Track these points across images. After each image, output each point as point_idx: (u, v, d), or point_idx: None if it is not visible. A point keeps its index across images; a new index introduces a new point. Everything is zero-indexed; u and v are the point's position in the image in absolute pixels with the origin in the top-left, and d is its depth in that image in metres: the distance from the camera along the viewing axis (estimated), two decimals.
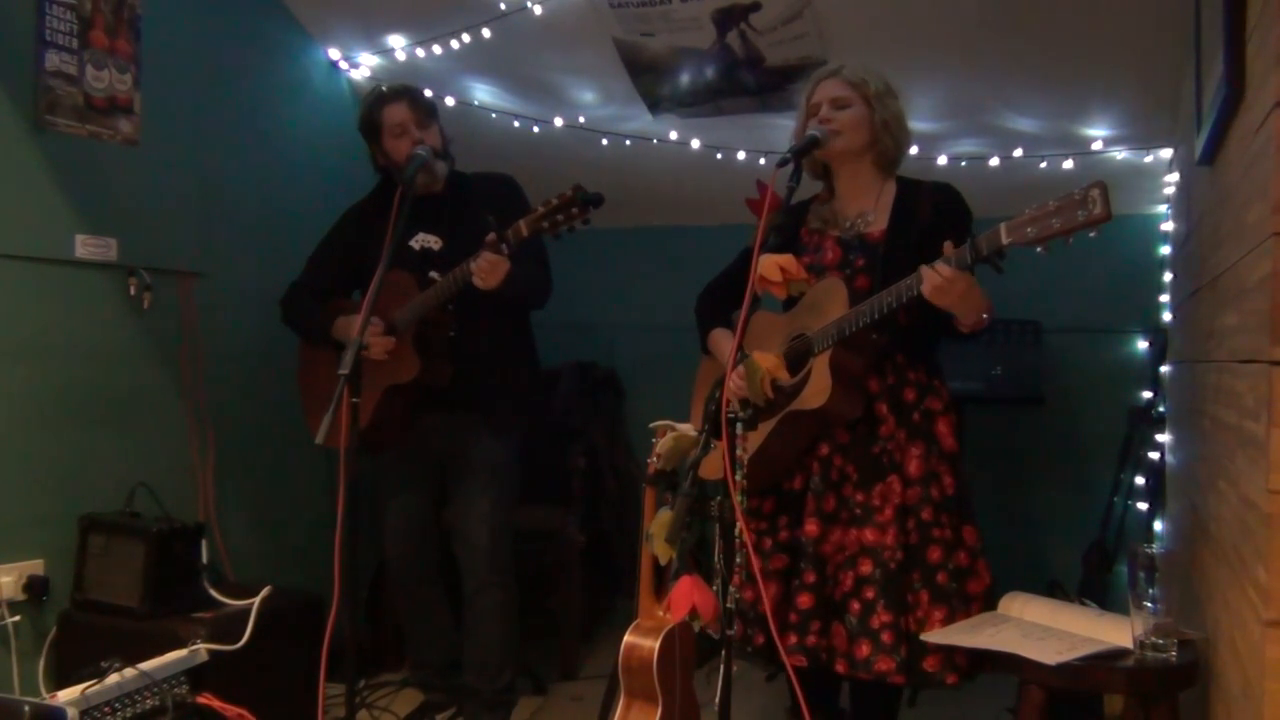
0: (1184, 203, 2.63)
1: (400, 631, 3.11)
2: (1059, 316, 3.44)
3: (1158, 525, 3.02)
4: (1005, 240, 1.83)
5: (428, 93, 2.89)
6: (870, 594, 2.09)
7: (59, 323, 2.67)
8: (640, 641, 2.10)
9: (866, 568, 2.12)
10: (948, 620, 2.06)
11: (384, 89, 2.81)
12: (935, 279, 1.92)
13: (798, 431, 2.19)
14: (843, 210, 2.33)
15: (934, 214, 2.21)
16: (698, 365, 2.53)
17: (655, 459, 2.11)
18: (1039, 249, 1.79)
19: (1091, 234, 1.72)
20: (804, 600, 2.14)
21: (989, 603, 2.13)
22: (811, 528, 2.17)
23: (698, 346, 2.51)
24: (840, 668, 2.10)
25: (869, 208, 2.28)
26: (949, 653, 2.04)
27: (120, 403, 2.82)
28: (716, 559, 1.86)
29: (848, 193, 2.33)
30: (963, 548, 2.16)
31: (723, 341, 2.40)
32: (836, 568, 2.17)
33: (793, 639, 2.11)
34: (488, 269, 2.46)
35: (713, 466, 1.87)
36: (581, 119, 3.52)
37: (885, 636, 2.05)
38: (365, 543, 2.87)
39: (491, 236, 2.45)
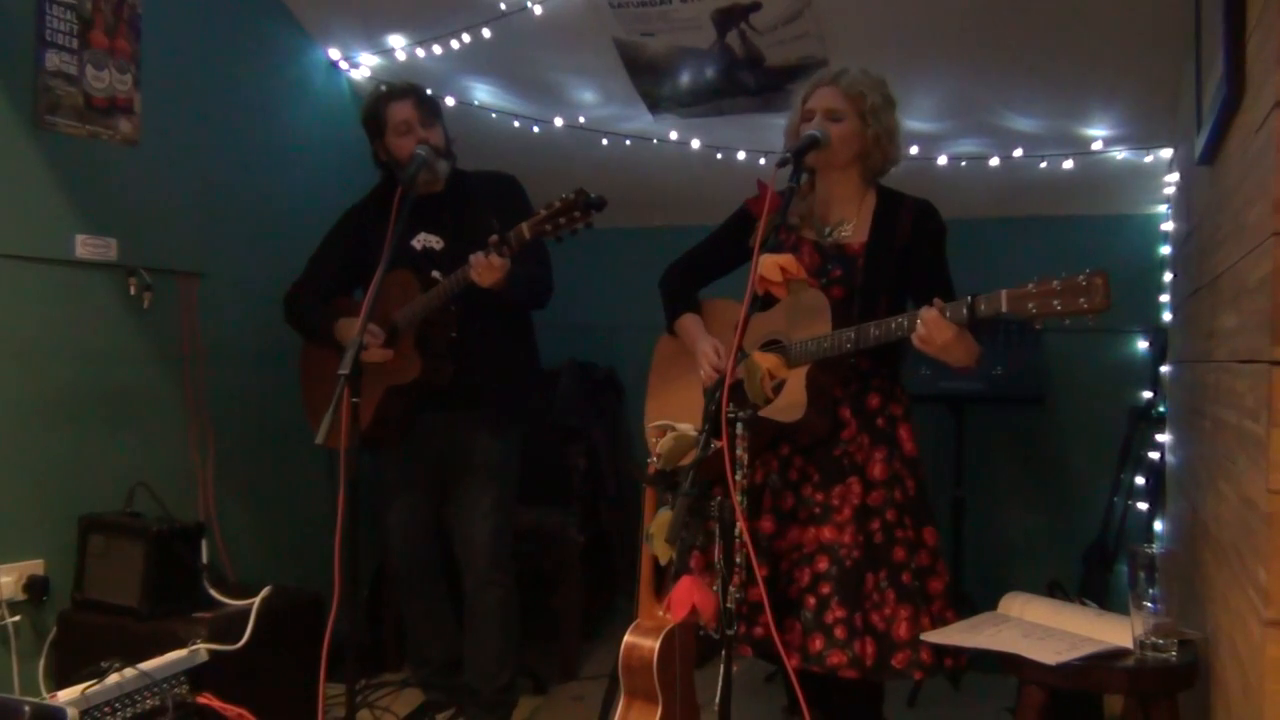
0: (1184, 203, 2.63)
1: (400, 631, 3.11)
2: None
3: (1158, 525, 3.02)
4: (1005, 308, 1.86)
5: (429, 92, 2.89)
6: (826, 589, 2.13)
7: (59, 323, 2.67)
8: (640, 641, 2.10)
9: (823, 564, 2.15)
10: (913, 617, 2.11)
11: (390, 86, 2.81)
12: (922, 331, 1.94)
13: (760, 434, 2.20)
14: (822, 214, 2.34)
15: (913, 234, 2.24)
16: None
17: (655, 459, 2.11)
18: (1035, 325, 1.84)
19: (1090, 321, 1.77)
20: (754, 593, 2.15)
21: (949, 600, 2.20)
22: (766, 524, 2.21)
23: None
24: (794, 662, 2.12)
25: (849, 216, 2.31)
26: (914, 650, 2.08)
27: (120, 403, 2.82)
28: (717, 559, 1.87)
29: (828, 198, 2.34)
30: (924, 548, 2.21)
31: (693, 329, 2.40)
32: (792, 564, 2.20)
33: (741, 629, 2.13)
34: (485, 267, 2.46)
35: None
36: (581, 119, 3.52)
37: (838, 631, 2.09)
38: (365, 543, 2.87)
39: (494, 238, 2.45)
